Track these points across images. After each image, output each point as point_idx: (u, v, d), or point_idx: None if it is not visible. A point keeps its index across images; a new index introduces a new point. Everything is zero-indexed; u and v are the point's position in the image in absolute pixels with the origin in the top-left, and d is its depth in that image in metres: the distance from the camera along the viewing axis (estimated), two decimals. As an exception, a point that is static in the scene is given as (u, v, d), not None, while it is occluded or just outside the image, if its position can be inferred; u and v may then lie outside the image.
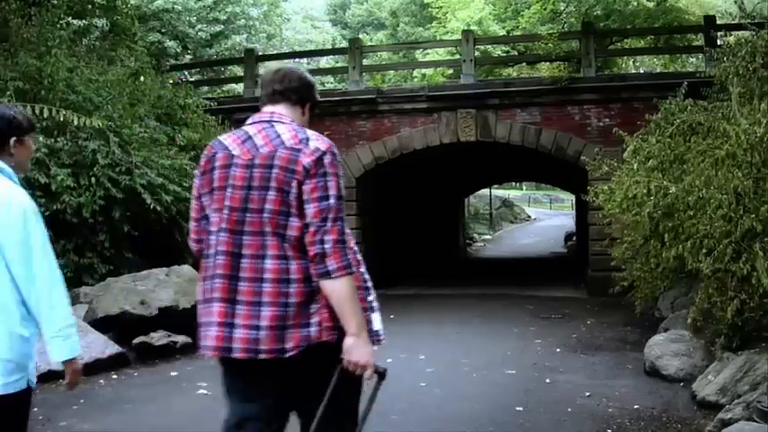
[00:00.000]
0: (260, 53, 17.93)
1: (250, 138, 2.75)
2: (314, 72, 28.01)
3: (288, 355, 2.63)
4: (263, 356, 2.64)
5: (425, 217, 20.28)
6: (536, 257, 24.24)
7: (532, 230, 36.41)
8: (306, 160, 2.64)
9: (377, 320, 2.85)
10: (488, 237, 32.53)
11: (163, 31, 20.10)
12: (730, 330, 6.31)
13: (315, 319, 2.66)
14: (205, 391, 6.72)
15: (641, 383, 6.75)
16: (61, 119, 8.80)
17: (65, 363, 2.83)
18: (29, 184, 8.89)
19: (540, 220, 42.89)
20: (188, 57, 20.68)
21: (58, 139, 9.23)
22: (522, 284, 15.41)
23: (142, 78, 11.74)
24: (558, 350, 8.65)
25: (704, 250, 6.33)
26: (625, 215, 7.86)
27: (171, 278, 8.96)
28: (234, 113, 14.23)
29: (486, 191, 35.59)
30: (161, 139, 10.74)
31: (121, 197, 9.39)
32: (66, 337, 2.78)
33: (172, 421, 5.89)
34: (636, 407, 5.94)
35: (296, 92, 2.88)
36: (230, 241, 2.69)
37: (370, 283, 2.90)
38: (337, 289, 2.62)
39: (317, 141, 2.71)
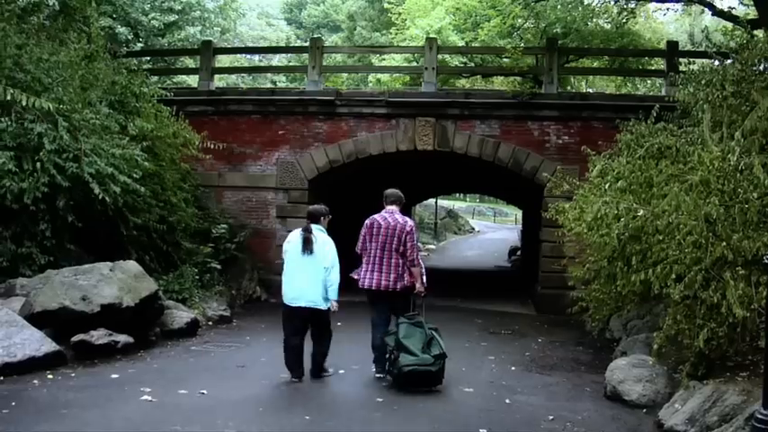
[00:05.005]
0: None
1: (386, 218, 7.54)
2: (268, 69, 27.34)
3: (398, 289, 7.47)
4: (389, 289, 7.45)
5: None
6: (480, 270, 24.21)
7: (476, 243, 36.51)
8: (407, 228, 7.50)
9: (425, 278, 7.62)
10: (432, 247, 32.47)
11: (114, 16, 19.36)
12: (696, 358, 6.23)
13: (407, 279, 7.50)
14: (149, 397, 6.34)
15: (603, 408, 6.64)
16: (8, 97, 8.27)
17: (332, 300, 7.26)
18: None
19: (483, 232, 43.10)
20: (139, 45, 19.93)
21: (2, 120, 8.65)
22: (469, 297, 15.25)
23: (96, 63, 11.13)
24: (512, 368, 8.51)
25: (673, 276, 6.26)
26: (592, 235, 7.75)
27: (115, 273, 8.47)
28: (187, 105, 13.71)
29: (431, 200, 35.59)
30: (112, 127, 10.19)
31: (67, 185, 8.87)
32: (334, 292, 7.24)
33: (112, 430, 5.50)
34: (602, 433, 5.81)
35: (399, 201, 7.78)
36: (379, 252, 7.48)
37: (424, 269, 7.70)
38: (416, 270, 7.52)
39: (410, 221, 7.65)
